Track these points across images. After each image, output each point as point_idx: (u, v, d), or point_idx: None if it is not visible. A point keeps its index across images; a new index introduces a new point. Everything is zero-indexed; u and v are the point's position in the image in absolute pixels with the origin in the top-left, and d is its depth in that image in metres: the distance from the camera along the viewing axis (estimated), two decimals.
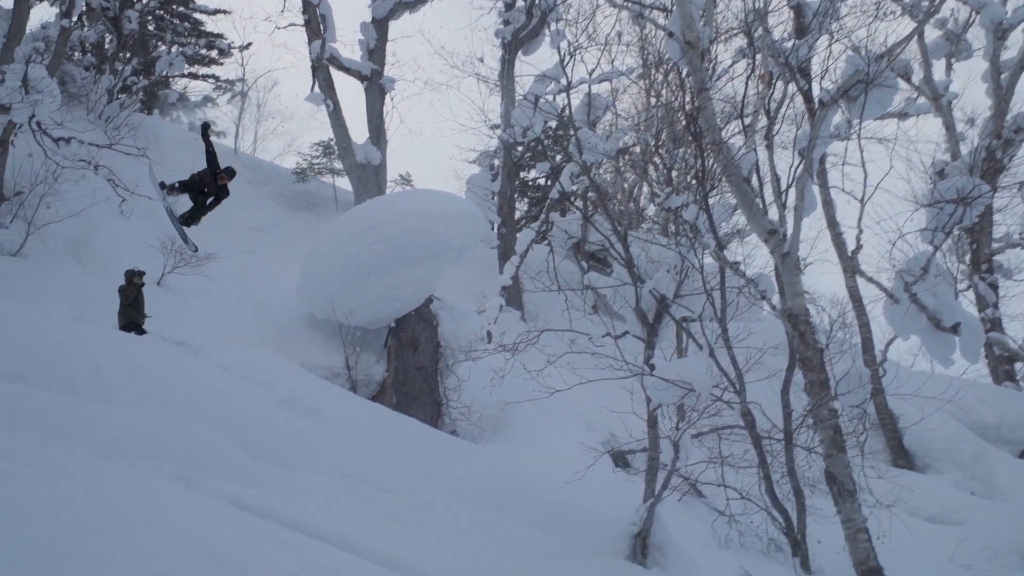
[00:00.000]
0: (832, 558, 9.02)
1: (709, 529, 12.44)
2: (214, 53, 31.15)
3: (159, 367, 10.30)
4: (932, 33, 23.01)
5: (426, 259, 17.55)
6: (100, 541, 2.80)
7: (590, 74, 21.84)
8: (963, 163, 19.83)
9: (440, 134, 60.77)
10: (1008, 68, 22.56)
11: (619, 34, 27.45)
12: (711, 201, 10.28)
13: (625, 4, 11.87)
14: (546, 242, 21.27)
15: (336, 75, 23.51)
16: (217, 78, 32.77)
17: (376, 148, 23.37)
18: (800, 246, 8.14)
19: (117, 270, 14.11)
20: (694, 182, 11.69)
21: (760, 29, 9.86)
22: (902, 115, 21.43)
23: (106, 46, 26.08)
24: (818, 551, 9.38)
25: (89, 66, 25.01)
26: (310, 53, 23.21)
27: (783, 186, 8.68)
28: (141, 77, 26.83)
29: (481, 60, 47.33)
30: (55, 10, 20.25)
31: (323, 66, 23.17)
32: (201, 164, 11.82)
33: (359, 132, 32.22)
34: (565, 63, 14.55)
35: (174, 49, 29.93)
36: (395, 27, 25.66)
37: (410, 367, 17.48)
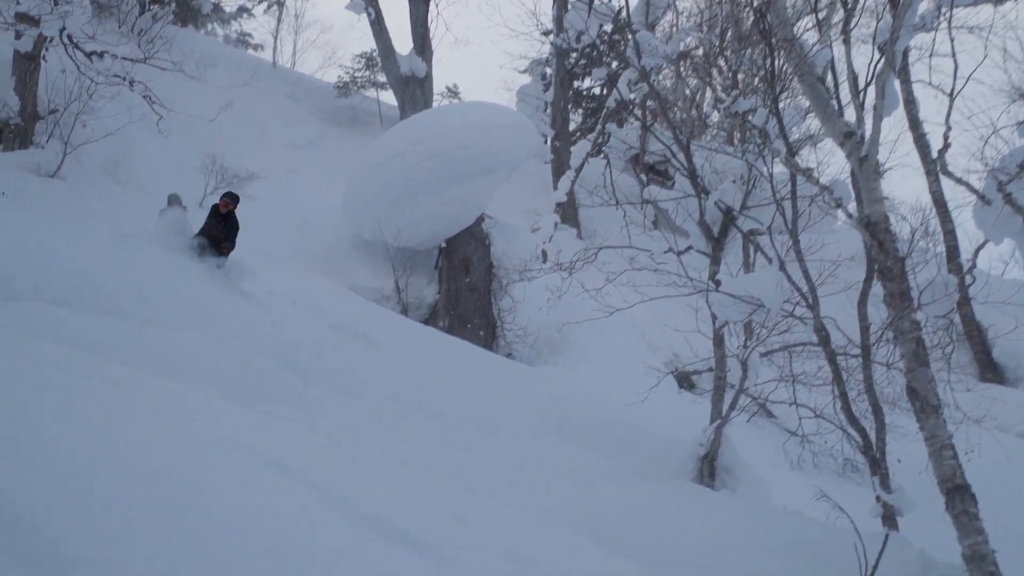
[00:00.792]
0: (914, 477, 8.99)
1: (780, 450, 12.47)
2: None
3: (206, 292, 10.53)
4: None
5: (476, 175, 17.49)
6: (167, 455, 2.90)
7: None
8: None
9: (489, 41, 59.78)
10: None
11: None
12: (781, 104, 9.96)
13: None
14: (603, 155, 20.97)
15: None
16: None
17: (421, 59, 23.13)
18: (879, 149, 7.88)
19: (156, 191, 14.33)
20: (762, 84, 11.34)
21: None
22: None
23: None
24: (898, 470, 9.35)
25: None
26: None
27: (861, 84, 8.36)
28: None
29: None
30: None
31: None
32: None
33: (403, 42, 31.86)
34: None
35: None
36: None
37: (462, 289, 17.62)
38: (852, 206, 8.63)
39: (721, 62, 21.48)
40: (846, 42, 8.63)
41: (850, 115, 8.60)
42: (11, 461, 2.28)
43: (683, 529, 8.75)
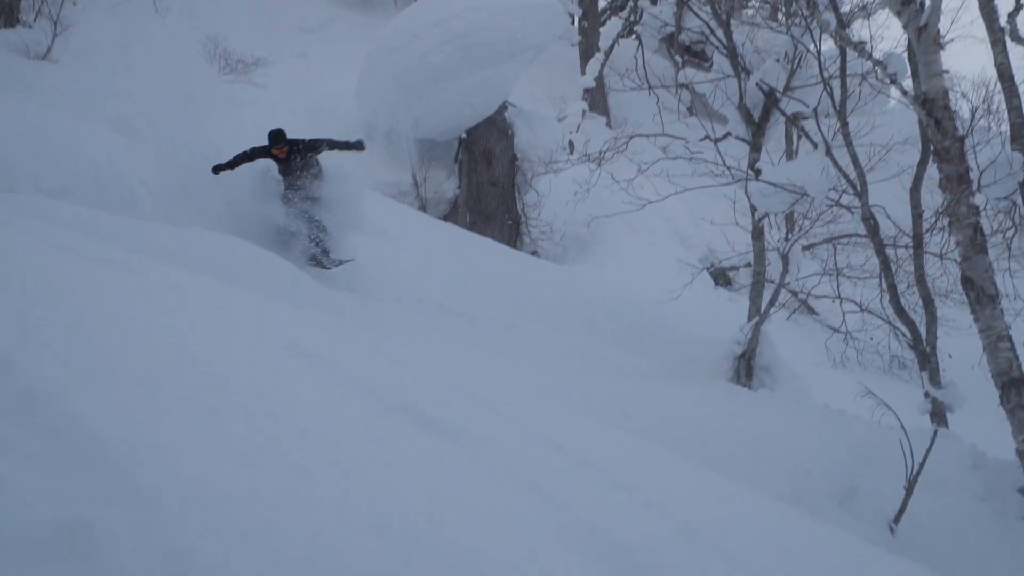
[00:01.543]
0: (966, 372, 8.99)
1: (822, 348, 12.49)
2: None
3: (214, 186, 10.51)
4: None
5: (499, 60, 17.12)
6: (188, 338, 2.90)
7: None
8: None
9: None
10: None
11: None
12: None
13: None
14: (634, 35, 20.43)
15: None
16: None
17: None
18: (940, 17, 7.57)
19: (154, 75, 14.10)
20: None
21: None
22: None
23: None
24: (949, 366, 9.34)
25: None
26: None
27: None
28: None
29: None
30: None
31: None
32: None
33: None
34: None
35: None
36: None
37: (484, 183, 17.49)
38: (907, 83, 8.37)
39: None
40: None
41: None
42: (20, 335, 2.28)
43: (720, 427, 8.82)
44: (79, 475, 1.92)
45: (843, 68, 10.11)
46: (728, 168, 11.14)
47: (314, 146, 10.64)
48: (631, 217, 14.73)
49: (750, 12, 22.88)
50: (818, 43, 10.67)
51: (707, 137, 12.00)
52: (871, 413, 8.69)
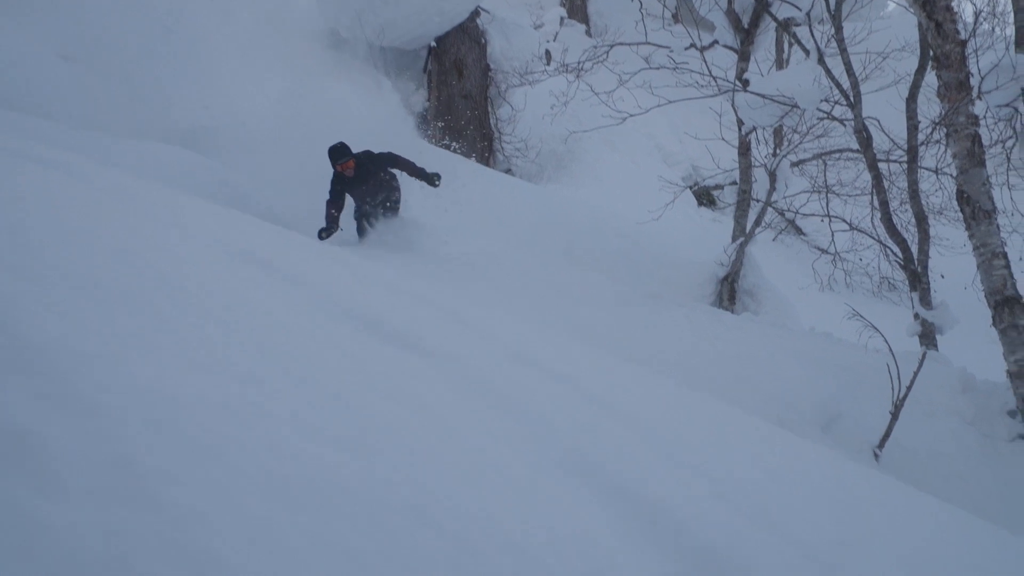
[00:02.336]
0: (958, 293, 9.08)
1: (809, 270, 12.57)
2: None
3: (172, 100, 10.33)
4: None
5: None
6: (148, 248, 2.84)
7: None
8: None
9: None
10: None
11: None
12: None
13: None
14: None
15: None
16: None
17: None
18: None
19: None
20: None
21: None
22: None
23: None
24: (940, 286, 9.44)
25: None
26: None
27: None
28: None
29: None
30: None
31: None
32: None
33: None
34: None
35: None
36: None
37: (455, 95, 17.25)
38: None
39: None
40: None
41: None
42: None
43: (702, 352, 8.91)
44: (19, 382, 1.88)
45: None
46: (714, 79, 11.03)
47: (391, 161, 10.15)
48: (611, 133, 14.62)
49: None
50: None
51: (692, 46, 11.86)
52: (858, 336, 8.79)
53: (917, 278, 8.94)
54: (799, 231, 14.46)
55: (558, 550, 2.17)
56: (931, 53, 7.31)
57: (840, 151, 10.85)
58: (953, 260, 10.00)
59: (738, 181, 12.03)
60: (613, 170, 16.91)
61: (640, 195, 14.48)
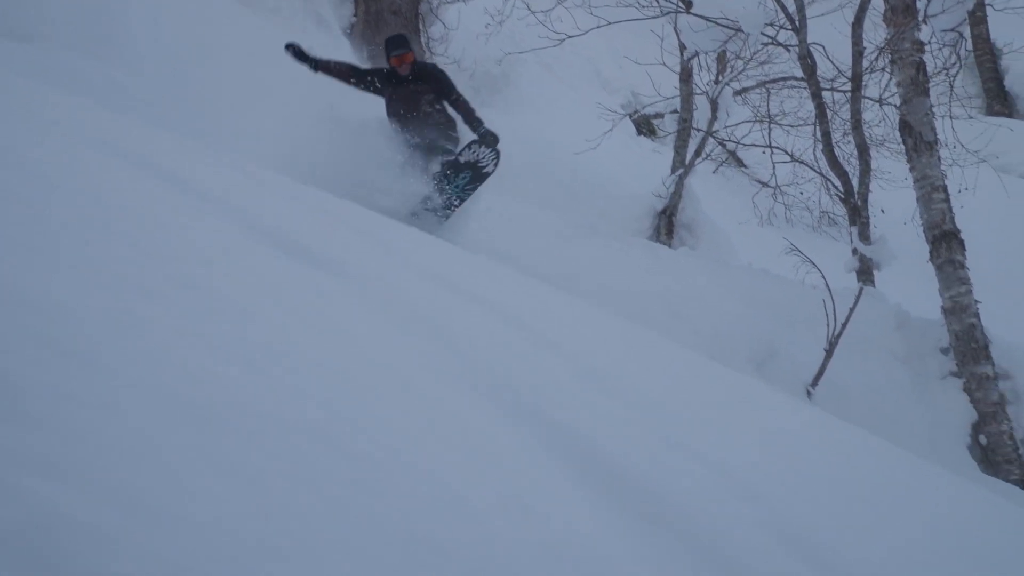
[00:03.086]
0: (897, 228, 9.28)
1: (749, 204, 12.70)
2: None
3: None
4: None
5: None
6: (17, 140, 2.74)
7: None
8: None
9: None
10: None
11: None
12: None
13: None
14: None
15: None
16: None
17: None
18: None
19: None
20: None
21: None
22: None
23: None
24: (881, 221, 9.62)
25: None
26: None
27: None
28: None
29: None
30: None
31: None
32: None
33: None
34: None
35: None
36: None
37: (384, 10, 16.88)
38: None
39: None
40: None
41: None
42: None
43: (636, 286, 8.98)
44: None
45: None
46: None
47: (452, 90, 8.20)
48: (548, 55, 14.51)
49: None
50: None
51: None
52: (796, 272, 8.94)
53: (857, 212, 9.10)
54: (740, 163, 14.57)
55: (467, 472, 2.18)
56: None
57: (784, 79, 10.94)
58: (894, 194, 10.17)
59: (679, 109, 12.05)
60: (550, 95, 16.79)
61: (578, 122, 14.41)
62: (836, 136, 9.92)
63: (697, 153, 11.57)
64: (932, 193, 7.27)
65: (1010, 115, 18.25)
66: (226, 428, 1.98)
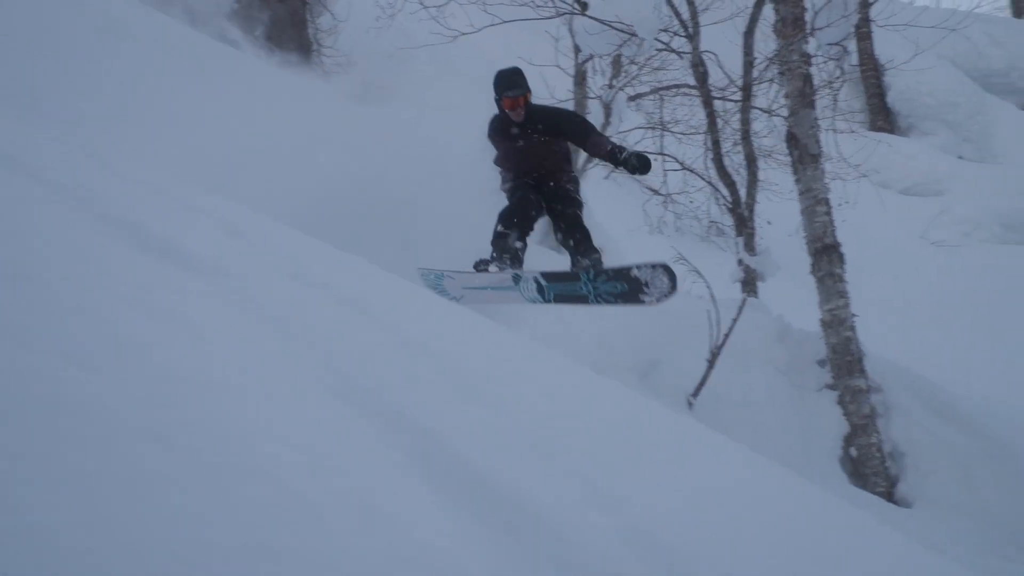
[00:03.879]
0: (782, 241, 9.55)
1: (640, 212, 12.92)
2: None
3: None
4: None
5: None
6: None
7: None
8: None
9: None
10: None
11: None
12: None
13: None
14: None
15: None
16: None
17: None
18: None
19: None
20: None
21: None
22: None
23: None
24: (767, 233, 9.90)
25: None
26: None
27: None
28: None
29: None
30: None
31: None
32: None
33: None
34: None
35: None
36: None
37: None
38: None
39: None
40: None
41: None
42: None
43: None
44: None
45: None
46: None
47: (580, 127, 6.79)
48: (441, 52, 14.48)
49: None
50: None
51: None
52: (683, 281, 9.11)
53: (744, 222, 9.35)
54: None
55: (313, 475, 2.16)
56: None
57: (677, 86, 11.15)
58: (782, 206, 10.48)
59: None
60: (442, 93, 16.78)
61: (469, 121, 14.44)
62: (726, 146, 10.19)
63: (588, 158, 11.71)
64: (815, 206, 7.53)
65: (892, 131, 19.10)
66: (58, 431, 1.93)
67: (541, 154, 6.84)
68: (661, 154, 11.29)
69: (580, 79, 12.11)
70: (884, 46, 17.81)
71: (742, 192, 9.59)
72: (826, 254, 7.59)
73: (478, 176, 12.83)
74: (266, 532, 1.87)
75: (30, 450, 1.86)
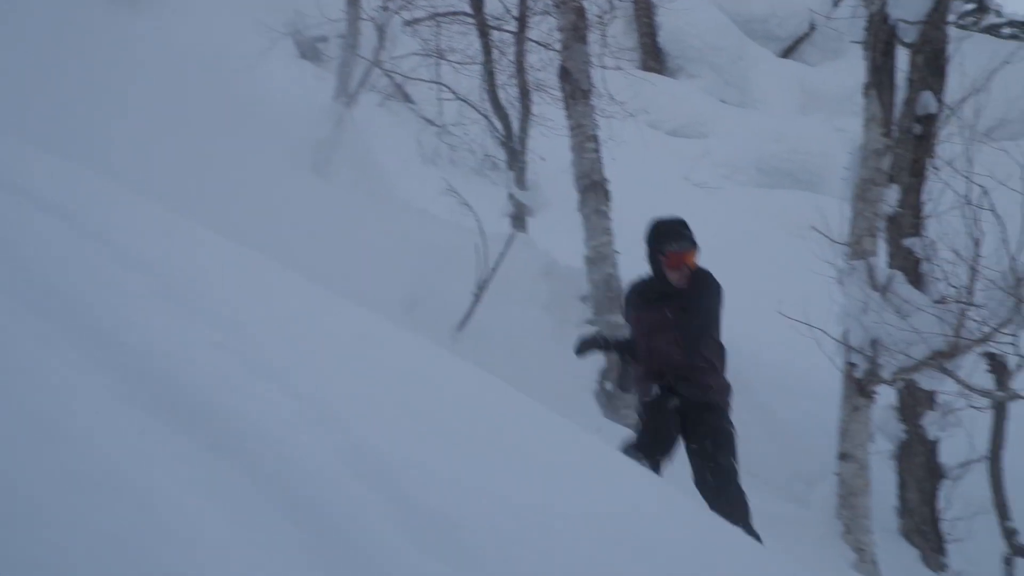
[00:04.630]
0: (554, 177, 9.75)
1: (414, 141, 12.89)
2: None
3: None
4: None
5: None
6: None
7: None
8: None
9: None
10: None
11: None
12: None
13: None
14: None
15: None
16: None
17: None
18: None
19: None
20: None
21: None
22: None
23: None
24: (540, 168, 10.08)
25: None
26: None
27: None
28: None
29: None
30: None
31: None
32: None
33: None
34: None
35: None
36: None
37: None
38: None
39: None
40: None
41: None
42: None
43: (283, 216, 8.87)
44: None
45: None
46: None
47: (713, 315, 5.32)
48: None
49: None
50: None
51: None
52: (453, 214, 9.18)
53: (516, 156, 9.48)
54: (407, 98, 14.69)
55: None
56: None
57: (454, 13, 11.11)
58: (556, 141, 10.68)
59: (345, 34, 11.94)
60: (207, 6, 16.09)
61: (233, 38, 13.92)
62: (501, 78, 10.25)
63: (362, 82, 11.54)
64: (585, 142, 7.72)
65: (662, 71, 19.89)
66: None
67: (694, 343, 5.18)
68: (437, 82, 11.27)
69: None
70: None
71: (516, 126, 9.70)
72: (593, 191, 7.80)
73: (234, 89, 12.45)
74: None
75: None
